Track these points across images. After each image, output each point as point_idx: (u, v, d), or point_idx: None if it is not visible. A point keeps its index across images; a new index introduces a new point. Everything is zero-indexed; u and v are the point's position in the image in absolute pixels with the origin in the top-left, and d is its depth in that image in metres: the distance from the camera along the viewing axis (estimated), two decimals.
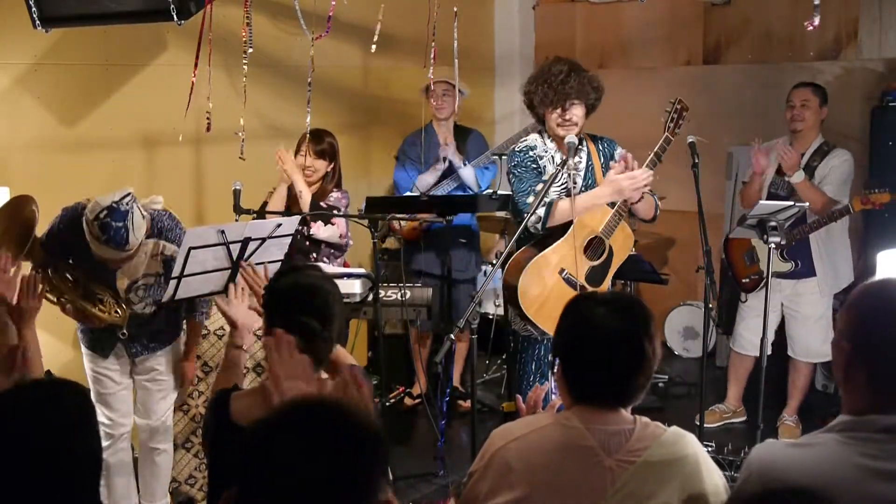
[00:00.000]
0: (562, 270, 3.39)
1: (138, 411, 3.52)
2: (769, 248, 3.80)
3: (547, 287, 3.37)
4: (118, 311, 3.23)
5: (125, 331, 3.33)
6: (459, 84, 4.74)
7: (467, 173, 4.80)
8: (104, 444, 3.20)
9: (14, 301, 2.63)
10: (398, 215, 4.40)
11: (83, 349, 3.45)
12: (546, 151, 3.53)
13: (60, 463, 1.53)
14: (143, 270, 3.27)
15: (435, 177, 4.84)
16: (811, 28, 2.66)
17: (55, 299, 3.22)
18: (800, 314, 4.52)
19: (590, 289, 3.38)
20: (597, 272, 3.44)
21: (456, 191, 4.85)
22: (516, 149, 3.57)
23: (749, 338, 4.57)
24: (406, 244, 4.90)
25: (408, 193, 4.85)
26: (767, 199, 4.34)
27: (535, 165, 3.51)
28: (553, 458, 1.83)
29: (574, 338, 1.91)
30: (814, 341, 4.50)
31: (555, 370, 1.97)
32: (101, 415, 3.32)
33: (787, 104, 4.47)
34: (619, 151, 3.53)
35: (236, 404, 2.11)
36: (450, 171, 4.84)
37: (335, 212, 4.20)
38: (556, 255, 3.39)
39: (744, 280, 4.62)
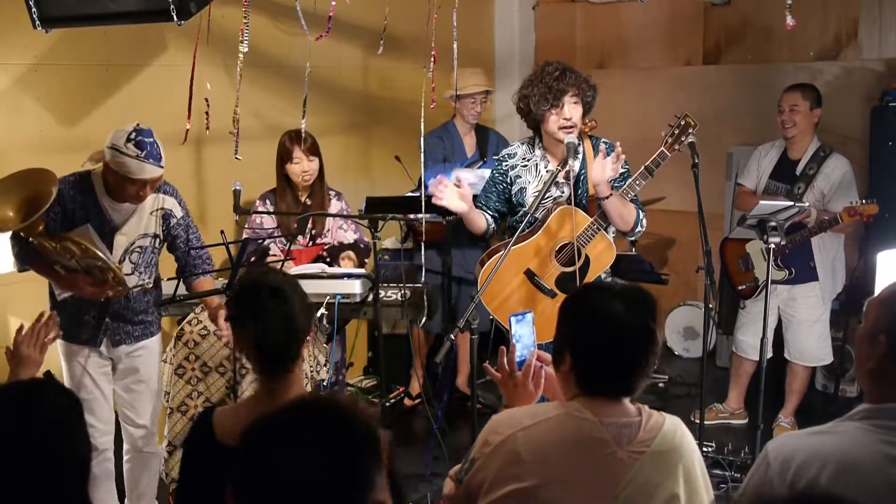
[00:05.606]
0: (528, 271, 3.37)
1: (128, 419, 3.49)
2: (769, 252, 3.77)
3: (510, 284, 3.35)
4: (114, 275, 3.15)
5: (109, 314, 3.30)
6: (486, 85, 4.81)
7: None
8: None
9: (19, 350, 2.46)
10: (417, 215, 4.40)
11: (60, 350, 3.35)
12: (529, 161, 3.49)
13: (45, 463, 1.52)
14: (143, 230, 3.30)
15: (475, 176, 4.82)
16: (789, 27, 2.71)
17: (50, 266, 3.14)
18: (796, 318, 4.53)
19: (560, 294, 3.32)
20: (569, 279, 3.35)
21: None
22: (501, 154, 3.58)
23: (749, 342, 4.58)
24: (417, 244, 4.90)
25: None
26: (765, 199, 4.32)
27: (501, 179, 3.51)
28: (566, 450, 1.84)
29: (591, 332, 1.91)
30: (810, 345, 4.51)
31: (561, 363, 1.94)
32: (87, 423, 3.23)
33: (777, 108, 4.45)
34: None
35: (220, 420, 2.09)
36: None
37: (337, 215, 4.20)
38: (525, 254, 3.36)
39: (740, 287, 4.62)
